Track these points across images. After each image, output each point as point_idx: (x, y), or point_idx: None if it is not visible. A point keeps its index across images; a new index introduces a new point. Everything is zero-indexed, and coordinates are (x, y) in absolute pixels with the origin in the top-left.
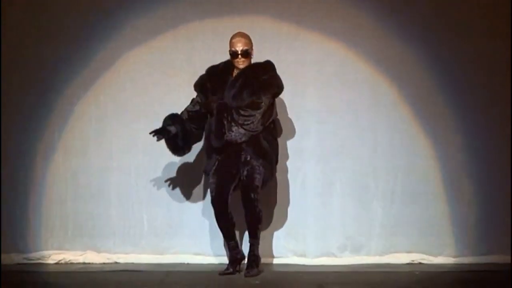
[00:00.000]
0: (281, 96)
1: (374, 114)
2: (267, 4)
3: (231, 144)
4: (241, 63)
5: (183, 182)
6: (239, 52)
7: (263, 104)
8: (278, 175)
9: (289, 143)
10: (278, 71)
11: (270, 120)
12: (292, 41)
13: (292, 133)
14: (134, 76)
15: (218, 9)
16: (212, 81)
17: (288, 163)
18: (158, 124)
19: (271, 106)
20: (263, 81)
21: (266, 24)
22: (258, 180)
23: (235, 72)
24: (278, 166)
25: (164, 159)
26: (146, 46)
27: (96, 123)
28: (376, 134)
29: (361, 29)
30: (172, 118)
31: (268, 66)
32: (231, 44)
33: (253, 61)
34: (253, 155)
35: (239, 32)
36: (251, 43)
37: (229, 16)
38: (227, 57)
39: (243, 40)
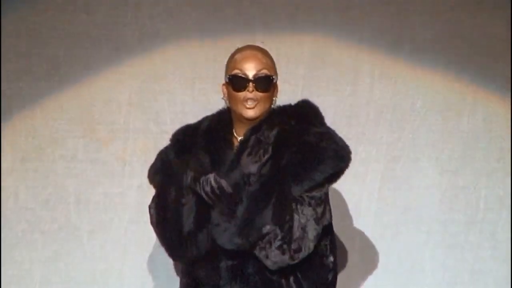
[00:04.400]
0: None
1: None
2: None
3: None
4: (251, 106)
5: None
6: (251, 78)
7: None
8: None
9: None
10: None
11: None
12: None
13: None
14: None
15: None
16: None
17: None
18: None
19: (323, 200)
20: (315, 148)
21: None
22: None
23: (239, 134)
24: None
25: None
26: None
27: None
28: None
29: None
30: None
31: (307, 113)
32: (234, 63)
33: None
34: None
35: (250, 45)
36: (275, 67)
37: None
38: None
39: (259, 56)
